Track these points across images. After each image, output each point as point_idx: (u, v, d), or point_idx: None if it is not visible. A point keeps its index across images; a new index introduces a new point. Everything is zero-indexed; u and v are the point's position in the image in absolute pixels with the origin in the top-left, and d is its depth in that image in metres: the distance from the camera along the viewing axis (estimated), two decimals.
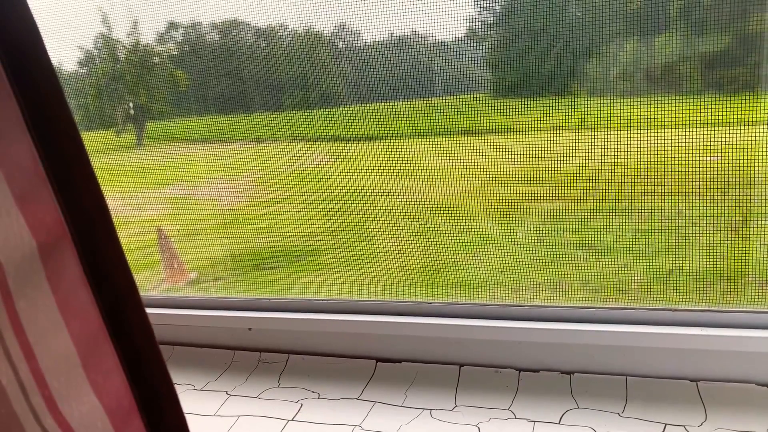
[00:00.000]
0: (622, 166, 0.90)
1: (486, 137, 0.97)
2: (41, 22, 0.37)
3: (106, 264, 0.40)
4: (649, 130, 0.89)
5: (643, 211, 0.95)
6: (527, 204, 1.01)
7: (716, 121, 0.83)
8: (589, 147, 0.90)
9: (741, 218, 0.88)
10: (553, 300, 1.00)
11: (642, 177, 0.93)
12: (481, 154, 0.97)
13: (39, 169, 0.36)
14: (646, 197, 0.95)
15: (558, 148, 0.93)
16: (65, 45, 1.19)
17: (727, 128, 0.83)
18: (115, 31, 1.18)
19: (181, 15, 1.14)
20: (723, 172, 0.86)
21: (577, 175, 0.94)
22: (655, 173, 0.92)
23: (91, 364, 0.41)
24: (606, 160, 0.90)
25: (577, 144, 0.90)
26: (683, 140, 0.86)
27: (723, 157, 0.85)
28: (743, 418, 0.82)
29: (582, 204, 0.96)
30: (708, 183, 0.87)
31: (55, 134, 0.37)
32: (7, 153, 0.35)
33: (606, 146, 0.89)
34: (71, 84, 1.25)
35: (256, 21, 1.10)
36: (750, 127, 0.83)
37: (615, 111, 0.89)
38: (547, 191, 1.00)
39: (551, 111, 0.93)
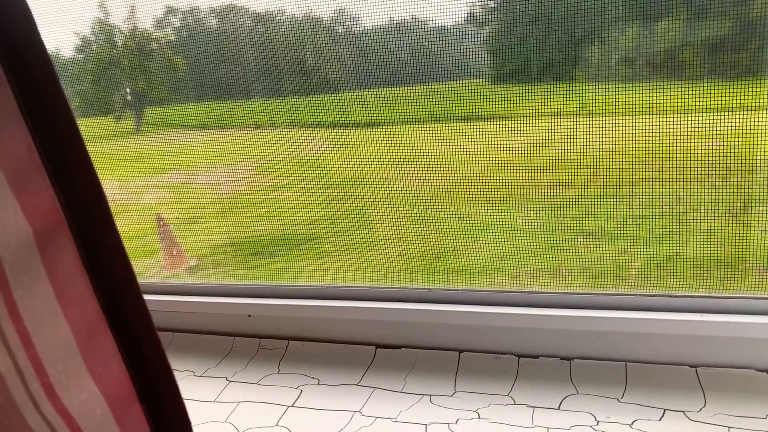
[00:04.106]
0: (623, 152, 0.90)
1: (486, 123, 0.97)
2: (36, 8, 0.36)
3: (103, 252, 0.40)
4: (649, 116, 0.88)
5: (643, 197, 0.95)
6: (527, 190, 1.01)
7: (718, 106, 0.83)
8: (590, 133, 0.89)
9: (741, 204, 0.88)
10: (552, 286, 1.00)
11: (642, 163, 0.92)
12: (481, 140, 0.97)
13: (35, 157, 0.36)
14: (646, 183, 0.94)
15: (558, 134, 0.93)
16: (61, 31, 1.18)
17: (729, 114, 0.82)
18: (112, 17, 1.18)
19: (179, 0, 1.13)
20: (724, 158, 0.86)
21: (577, 161, 0.94)
22: (656, 159, 0.92)
23: (89, 352, 0.40)
24: (606, 146, 0.90)
25: (577, 130, 0.90)
26: (684, 126, 0.85)
27: (724, 143, 0.85)
28: (742, 403, 0.82)
29: (582, 190, 0.96)
30: (709, 169, 0.87)
31: (50, 121, 0.36)
32: (1, 141, 0.34)
33: (606, 132, 0.89)
34: (68, 70, 1.24)
35: (254, 6, 1.09)
36: (751, 112, 0.83)
37: (616, 97, 0.89)
38: (547, 177, 0.99)
39: (552, 97, 0.92)
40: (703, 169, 0.87)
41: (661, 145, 0.89)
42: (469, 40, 0.95)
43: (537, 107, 0.93)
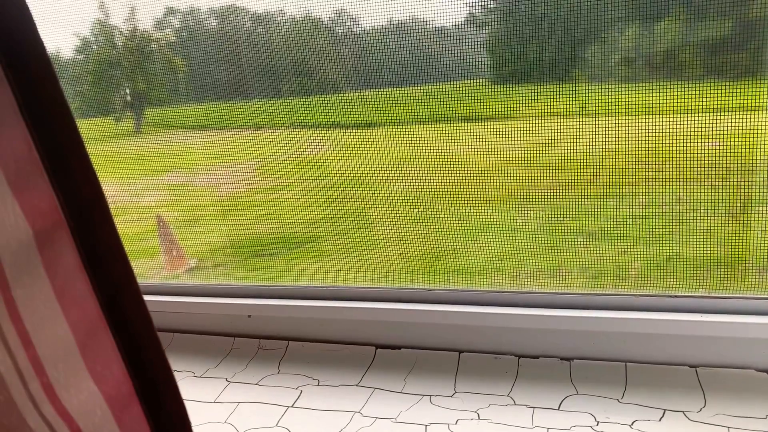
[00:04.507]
0: (622, 153, 0.90)
1: (486, 124, 0.97)
2: (36, 8, 0.36)
3: (103, 252, 0.40)
4: (649, 117, 0.88)
5: (642, 197, 0.95)
6: (527, 191, 1.01)
7: (717, 107, 0.83)
8: (589, 133, 0.89)
9: (741, 204, 0.88)
10: (552, 286, 1.00)
11: (642, 163, 0.93)
12: (480, 140, 0.97)
13: (34, 156, 0.36)
14: (645, 183, 0.94)
15: (558, 135, 0.93)
16: (61, 31, 1.18)
17: (729, 114, 0.82)
18: (112, 17, 1.18)
19: (179, 0, 1.13)
20: (724, 158, 0.86)
21: (577, 161, 0.94)
22: (655, 159, 0.92)
23: (89, 352, 0.40)
24: (606, 147, 0.90)
25: (577, 130, 0.90)
26: (684, 126, 0.85)
27: (724, 143, 0.85)
28: (742, 403, 0.82)
29: (581, 190, 0.96)
30: (709, 169, 0.87)
31: (49, 121, 0.36)
32: (1, 141, 0.34)
33: (606, 132, 0.89)
34: (68, 71, 1.24)
35: (254, 6, 1.09)
36: (751, 112, 0.83)
37: (615, 97, 0.89)
38: (547, 178, 1.00)
39: (551, 97, 0.92)
40: (702, 169, 0.87)
41: (660, 145, 0.89)
42: (469, 40, 0.95)
43: (537, 108, 0.93)
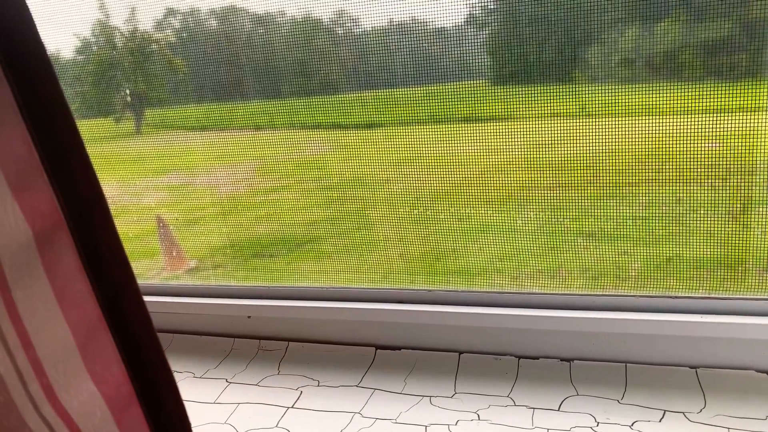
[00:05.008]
0: (622, 154, 0.90)
1: (486, 124, 0.97)
2: (37, 9, 0.36)
3: (103, 253, 0.40)
4: (648, 117, 0.88)
5: (642, 198, 0.95)
6: (526, 191, 1.01)
7: (716, 107, 0.83)
8: (589, 134, 0.89)
9: (740, 205, 0.88)
10: (552, 287, 1.00)
11: (642, 164, 0.93)
12: (481, 141, 0.97)
13: (34, 157, 0.36)
14: (645, 184, 0.94)
15: (558, 136, 0.93)
16: (62, 32, 1.18)
17: (729, 115, 0.82)
18: (113, 18, 1.18)
19: (179, 1, 1.13)
20: (723, 159, 0.86)
21: (577, 162, 0.94)
22: (655, 160, 0.92)
23: (89, 353, 0.40)
24: (605, 148, 0.90)
25: (576, 131, 0.90)
26: (683, 127, 0.85)
27: (724, 144, 0.85)
28: (742, 404, 0.82)
29: (581, 191, 0.96)
30: (709, 170, 0.87)
31: (49, 121, 0.36)
32: (1, 142, 0.34)
33: (605, 133, 0.89)
34: (68, 71, 1.24)
35: (254, 7, 1.09)
36: (750, 113, 0.83)
37: (615, 98, 0.89)
38: (547, 179, 0.99)
39: (551, 98, 0.92)
40: (702, 170, 0.87)
41: (660, 146, 0.89)
42: (469, 41, 0.95)
43: (537, 109, 0.93)
